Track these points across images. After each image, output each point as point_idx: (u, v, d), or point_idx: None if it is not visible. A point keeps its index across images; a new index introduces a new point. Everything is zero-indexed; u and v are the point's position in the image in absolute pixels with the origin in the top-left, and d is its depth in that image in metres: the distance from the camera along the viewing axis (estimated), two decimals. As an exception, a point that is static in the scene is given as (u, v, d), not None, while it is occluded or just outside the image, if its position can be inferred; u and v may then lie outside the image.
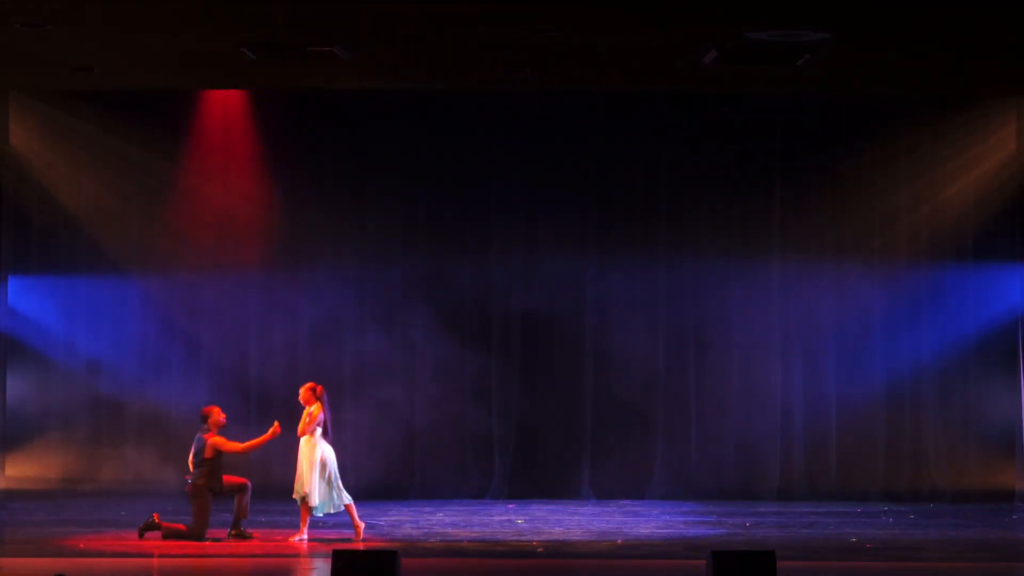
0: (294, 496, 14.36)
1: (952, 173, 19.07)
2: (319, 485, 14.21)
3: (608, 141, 19.19)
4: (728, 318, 19.21)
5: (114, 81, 15.70)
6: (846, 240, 19.17)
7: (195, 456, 14.44)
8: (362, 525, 14.55)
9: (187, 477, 14.54)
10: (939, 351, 19.08)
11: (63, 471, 18.89)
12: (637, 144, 19.20)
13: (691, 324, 19.24)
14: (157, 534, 14.41)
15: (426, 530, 15.53)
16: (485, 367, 19.14)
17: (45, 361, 18.98)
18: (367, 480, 18.34)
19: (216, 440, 14.39)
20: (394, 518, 16.58)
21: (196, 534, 14.32)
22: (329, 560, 10.51)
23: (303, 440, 14.30)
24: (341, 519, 14.87)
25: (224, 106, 19.05)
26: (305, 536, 14.32)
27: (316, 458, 14.22)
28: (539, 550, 14.07)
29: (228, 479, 14.52)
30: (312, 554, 13.82)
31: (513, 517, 16.89)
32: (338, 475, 14.35)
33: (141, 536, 14.44)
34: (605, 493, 18.84)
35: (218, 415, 14.54)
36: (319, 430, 14.28)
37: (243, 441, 14.67)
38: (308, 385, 14.43)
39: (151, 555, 13.65)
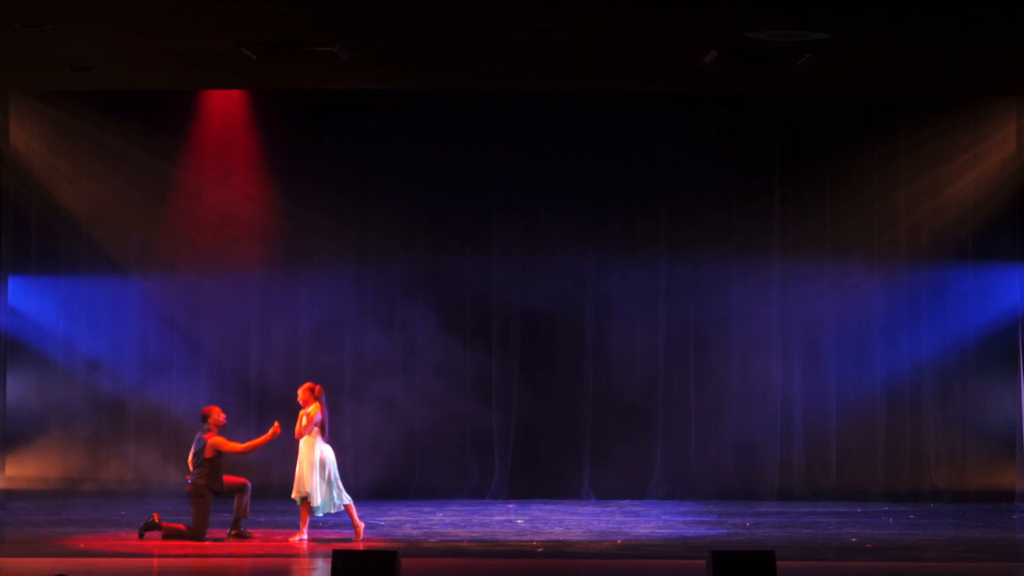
0: (293, 496, 14.37)
1: (952, 173, 19.08)
2: (320, 485, 14.21)
3: (608, 141, 19.20)
4: (728, 318, 19.22)
5: (114, 81, 15.69)
6: (846, 240, 19.17)
7: (195, 456, 14.45)
8: (362, 525, 14.55)
9: (187, 477, 14.55)
10: (939, 351, 19.09)
11: (63, 471, 18.89)
12: (637, 144, 19.20)
13: (691, 324, 19.25)
14: (157, 534, 14.42)
15: (426, 530, 15.53)
16: (485, 367, 19.15)
17: (45, 361, 18.97)
18: (367, 480, 18.38)
19: (216, 440, 14.40)
20: (394, 518, 16.58)
21: (196, 534, 14.32)
22: (329, 560, 10.51)
23: (302, 441, 14.30)
24: (341, 519, 14.87)
25: (224, 106, 19.05)
26: (305, 536, 14.32)
27: (316, 458, 14.23)
28: (539, 550, 14.07)
29: (228, 479, 14.52)
30: (312, 554, 13.82)
31: (513, 517, 16.89)
32: (338, 475, 14.35)
33: (141, 536, 14.45)
34: (605, 493, 18.85)
35: (218, 415, 14.54)
36: (317, 430, 14.29)
37: (243, 441, 14.69)
38: (307, 385, 14.43)
39: (151, 555, 13.65)
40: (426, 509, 17.62)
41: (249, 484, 14.60)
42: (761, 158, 19.26)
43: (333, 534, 14.87)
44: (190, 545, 14.11)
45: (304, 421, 14.26)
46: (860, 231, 19.17)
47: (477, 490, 18.94)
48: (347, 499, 14.38)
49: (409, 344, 19.08)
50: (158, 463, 18.47)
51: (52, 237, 19.01)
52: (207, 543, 14.24)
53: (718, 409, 19.18)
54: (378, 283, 19.20)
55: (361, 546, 14.01)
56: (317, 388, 14.36)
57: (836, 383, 19.15)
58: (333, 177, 19.14)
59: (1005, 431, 18.89)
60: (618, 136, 19.20)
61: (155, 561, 13.41)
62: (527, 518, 16.77)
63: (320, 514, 14.35)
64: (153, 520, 14.45)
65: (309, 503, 14.23)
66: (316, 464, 14.21)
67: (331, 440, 14.43)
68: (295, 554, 13.85)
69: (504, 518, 16.78)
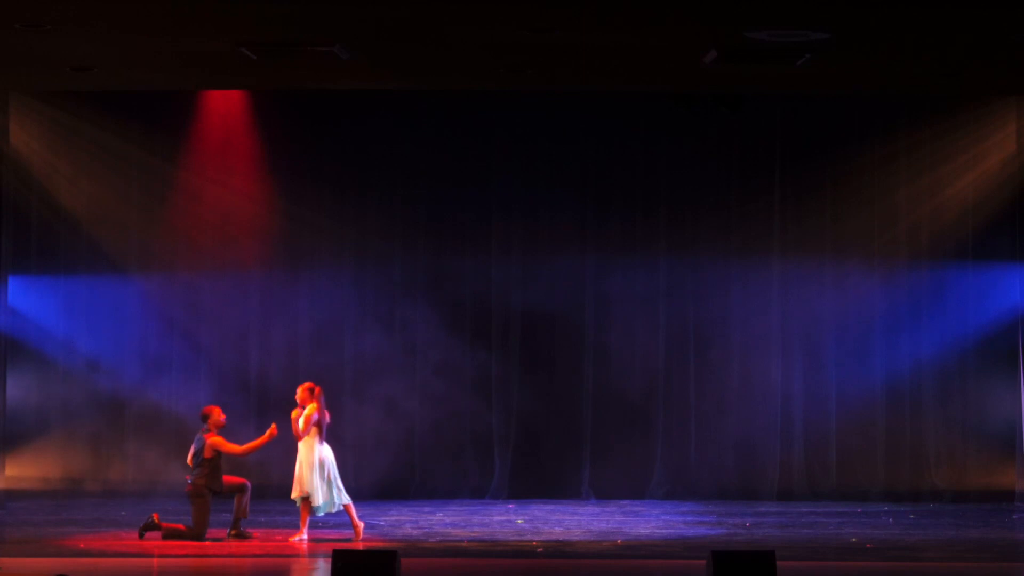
0: (293, 497, 14.36)
1: (952, 173, 19.08)
2: (320, 485, 14.21)
3: (608, 141, 19.20)
4: (728, 318, 19.23)
5: (114, 81, 15.69)
6: (846, 240, 19.17)
7: (194, 456, 14.45)
8: (361, 525, 14.55)
9: (187, 477, 14.54)
10: (939, 351, 19.08)
11: (63, 471, 18.89)
12: (637, 144, 19.20)
13: (691, 324, 19.25)
14: (157, 534, 14.41)
15: (426, 530, 15.53)
16: (485, 367, 19.15)
17: (45, 361, 18.97)
18: (367, 480, 18.37)
19: (215, 440, 14.40)
20: (394, 518, 16.58)
21: (196, 534, 14.32)
22: (329, 560, 10.51)
23: (301, 441, 14.29)
24: (341, 519, 14.87)
25: (224, 106, 19.05)
26: (305, 536, 14.32)
27: (315, 459, 14.22)
28: (539, 550, 14.06)
29: (228, 479, 14.52)
30: (312, 554, 13.82)
31: (513, 517, 16.89)
32: (337, 475, 14.35)
33: (141, 536, 14.45)
34: (605, 493, 18.85)
35: (218, 415, 14.54)
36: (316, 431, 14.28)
37: (243, 442, 14.68)
38: (306, 385, 14.41)
39: (151, 555, 13.65)
40: (426, 509, 17.62)
41: (249, 484, 14.60)
42: (761, 158, 19.26)
43: (333, 534, 14.87)
44: (190, 545, 14.11)
45: (301, 423, 14.26)
46: (860, 231, 19.17)
47: (477, 490, 18.95)
48: (346, 499, 14.38)
49: (409, 344, 19.08)
50: (158, 463, 18.46)
51: (52, 237, 19.01)
52: (207, 543, 14.24)
53: (718, 409, 19.18)
54: (378, 283, 19.20)
55: (361, 546, 14.01)
56: (317, 389, 14.35)
57: (836, 383, 19.15)
58: (333, 177, 19.14)
59: (1005, 431, 18.89)
60: (618, 136, 19.20)
61: (155, 561, 13.41)
62: (527, 518, 16.77)
63: (320, 514, 14.35)
64: (153, 520, 14.45)
65: (309, 503, 14.23)
66: (315, 464, 14.21)
67: (330, 440, 14.43)
68: (295, 554, 13.85)
69: (504, 518, 16.79)
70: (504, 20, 12.53)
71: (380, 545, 14.12)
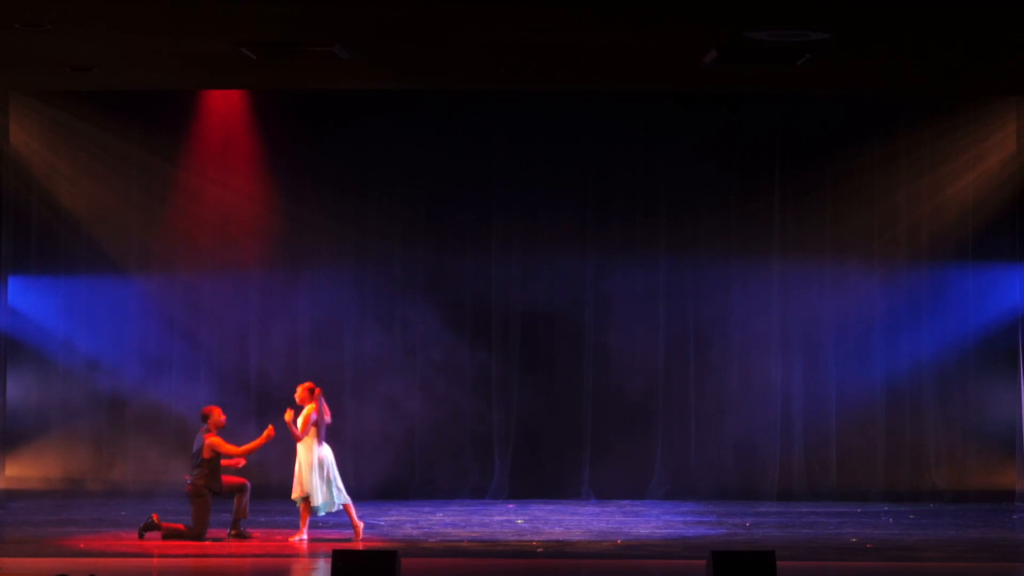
0: (293, 497, 14.36)
1: (952, 173, 19.08)
2: (319, 486, 14.21)
3: (608, 141, 19.20)
4: (728, 318, 19.22)
5: (114, 81, 15.69)
6: (846, 240, 19.17)
7: (193, 456, 14.45)
8: (361, 525, 14.55)
9: (187, 477, 14.54)
10: (939, 351, 19.08)
11: (63, 471, 18.89)
12: (637, 144, 19.20)
13: (691, 324, 19.25)
14: (157, 534, 14.41)
15: (426, 530, 15.53)
16: (485, 367, 19.15)
17: (45, 361, 18.97)
18: (367, 480, 18.37)
19: (213, 440, 14.39)
20: (394, 518, 16.58)
21: (196, 534, 14.32)
22: (329, 560, 10.51)
23: (300, 442, 14.29)
24: (341, 519, 14.87)
25: (224, 106, 19.05)
26: (305, 536, 14.32)
27: (314, 459, 14.22)
28: (539, 550, 14.06)
29: (228, 479, 14.52)
30: (312, 554, 13.82)
31: (513, 517, 16.89)
32: (337, 474, 14.35)
33: (141, 536, 14.44)
34: (605, 493, 18.85)
35: (218, 416, 14.53)
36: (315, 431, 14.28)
37: (243, 443, 14.67)
38: (306, 385, 14.41)
39: (151, 555, 13.65)
40: (426, 509, 17.62)
41: (248, 484, 14.59)
42: (761, 158, 19.26)
43: (333, 534, 14.87)
44: (190, 545, 14.11)
45: (300, 423, 14.26)
46: (860, 231, 19.17)
47: (477, 490, 18.95)
48: (346, 499, 14.38)
49: (409, 344, 19.09)
50: (158, 463, 18.46)
51: (52, 237, 19.01)
52: (207, 543, 14.24)
53: (718, 409, 19.18)
54: (378, 283, 19.20)
55: (361, 546, 14.01)
56: (317, 390, 14.34)
57: (836, 383, 19.15)
58: (333, 177, 19.14)
59: (1005, 431, 18.89)
60: (618, 136, 19.20)
61: (155, 561, 13.41)
62: (527, 518, 16.77)
63: (321, 514, 14.35)
64: (153, 520, 14.45)
65: (309, 503, 14.23)
66: (315, 464, 14.21)
67: (330, 440, 14.43)
68: (295, 554, 13.85)
69: (504, 518, 16.78)
70: (504, 20, 12.53)
71: (380, 545, 14.12)
